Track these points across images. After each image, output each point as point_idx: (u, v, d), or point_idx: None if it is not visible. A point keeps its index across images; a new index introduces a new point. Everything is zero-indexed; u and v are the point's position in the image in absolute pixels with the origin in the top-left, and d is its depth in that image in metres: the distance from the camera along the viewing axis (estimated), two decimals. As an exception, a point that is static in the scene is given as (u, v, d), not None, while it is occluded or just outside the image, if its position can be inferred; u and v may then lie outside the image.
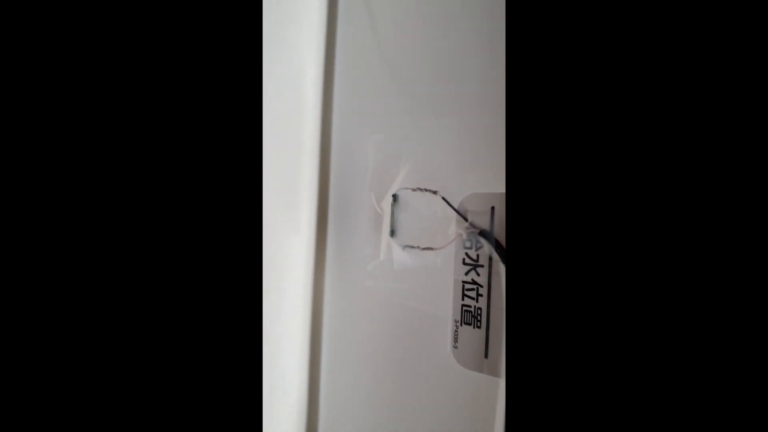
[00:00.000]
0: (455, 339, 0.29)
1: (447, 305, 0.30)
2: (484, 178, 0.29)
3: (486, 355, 0.28)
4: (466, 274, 0.29)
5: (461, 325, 0.29)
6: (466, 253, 0.29)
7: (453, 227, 0.30)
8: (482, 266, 0.28)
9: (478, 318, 0.28)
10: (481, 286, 0.28)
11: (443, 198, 0.30)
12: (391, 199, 0.33)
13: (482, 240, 0.28)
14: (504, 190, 0.28)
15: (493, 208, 0.28)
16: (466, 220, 0.29)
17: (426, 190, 0.31)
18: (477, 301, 0.28)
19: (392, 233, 0.32)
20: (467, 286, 0.29)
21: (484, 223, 0.28)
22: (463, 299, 0.29)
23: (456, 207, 0.29)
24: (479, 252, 0.28)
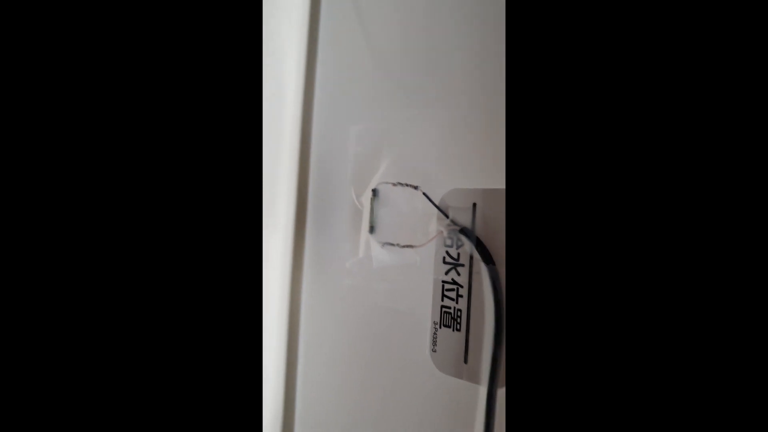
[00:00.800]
0: (434, 342, 0.28)
1: (426, 306, 0.28)
2: (467, 173, 0.27)
3: (465, 360, 0.26)
4: (446, 273, 0.27)
5: (440, 327, 0.28)
6: (447, 252, 0.27)
7: (434, 224, 0.28)
8: (463, 265, 0.27)
9: (458, 320, 0.27)
10: (462, 287, 0.27)
11: (424, 193, 0.28)
12: (371, 194, 0.31)
13: (463, 238, 0.26)
14: (486, 186, 0.26)
15: (474, 204, 0.26)
16: (447, 216, 0.27)
17: (407, 185, 0.29)
18: (457, 303, 0.27)
19: (371, 230, 0.31)
20: (447, 286, 0.27)
21: (465, 220, 0.27)
22: (442, 300, 0.28)
23: (437, 203, 0.28)
24: (460, 250, 0.27)
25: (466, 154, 0.27)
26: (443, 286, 0.28)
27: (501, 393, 0.25)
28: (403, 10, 0.31)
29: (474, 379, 0.26)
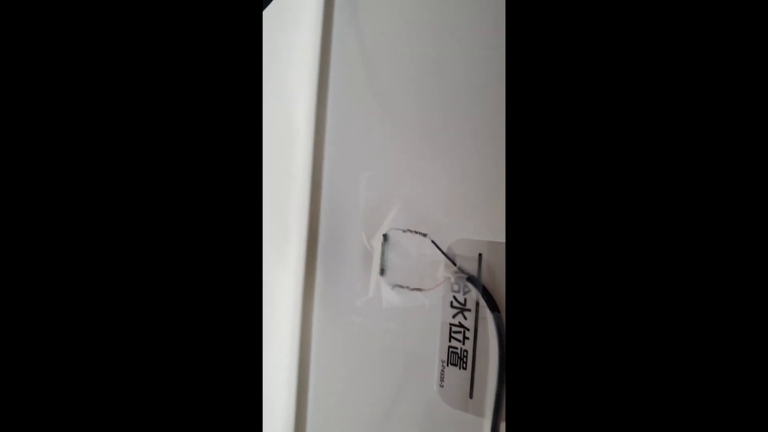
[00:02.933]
0: (441, 378, 0.30)
1: (434, 345, 0.31)
2: (474, 224, 0.30)
3: (471, 396, 0.29)
4: (454, 317, 0.30)
5: (447, 365, 0.30)
6: (454, 297, 0.30)
7: (442, 270, 0.31)
8: (469, 310, 0.29)
9: (464, 359, 0.30)
10: (468, 330, 0.29)
11: (432, 241, 0.31)
12: (381, 237, 0.33)
13: (470, 285, 0.29)
14: (491, 239, 0.29)
15: (480, 254, 0.29)
16: (455, 264, 0.30)
17: (416, 232, 0.32)
18: (463, 344, 0.30)
19: (382, 272, 0.33)
20: (454, 328, 0.30)
21: (472, 268, 0.30)
22: (450, 341, 0.30)
23: (445, 251, 0.31)
24: (467, 296, 0.30)
25: (473, 206, 0.30)
26: (450, 328, 0.30)
27: (503, 426, 0.28)
28: (412, 60, 0.34)
29: (479, 412, 0.29)
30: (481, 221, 0.30)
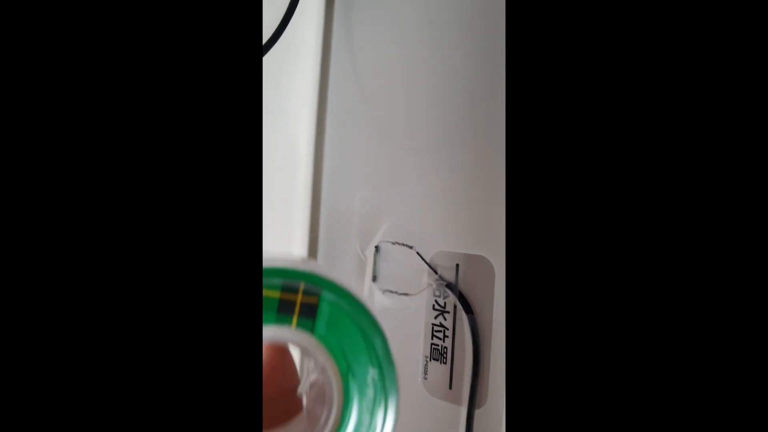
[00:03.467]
0: (425, 372, 0.35)
1: (419, 343, 0.36)
2: (451, 239, 0.34)
3: (450, 387, 0.34)
4: (435, 318, 0.35)
5: (430, 360, 0.35)
6: (436, 300, 0.35)
7: (425, 278, 0.35)
8: (448, 312, 0.34)
9: (445, 355, 0.34)
10: (447, 329, 0.34)
11: (417, 253, 0.36)
12: (374, 249, 0.38)
13: (448, 291, 0.34)
14: (467, 251, 0.34)
15: (458, 265, 0.34)
16: (436, 273, 0.35)
17: (403, 244, 0.37)
18: (443, 341, 0.34)
19: (374, 278, 0.38)
20: (436, 328, 0.35)
21: (450, 276, 0.34)
22: (432, 339, 0.35)
23: (428, 261, 0.35)
24: (446, 300, 0.34)
25: (451, 224, 0.35)
26: (432, 327, 0.35)
27: (478, 413, 0.32)
28: (404, 95, 0.39)
29: (457, 401, 0.33)
30: (457, 237, 0.34)
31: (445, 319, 0.34)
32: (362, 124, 0.41)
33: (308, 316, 0.24)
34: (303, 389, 0.28)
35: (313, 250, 0.43)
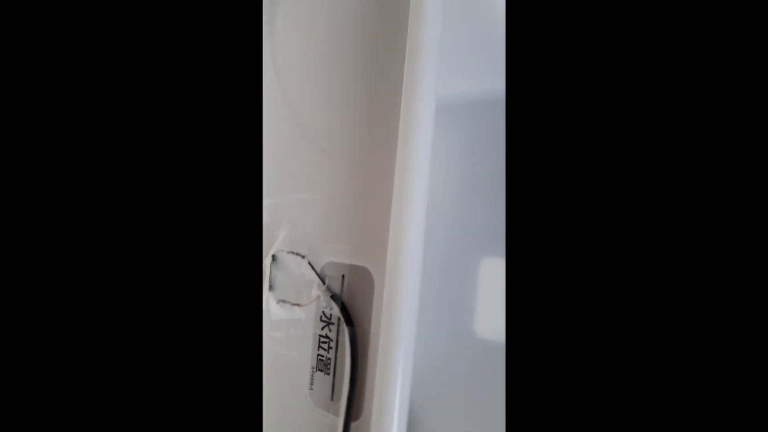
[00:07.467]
0: (311, 382, 0.35)
1: (307, 354, 0.35)
2: (339, 250, 0.34)
3: (332, 398, 0.34)
4: (322, 329, 0.35)
5: (316, 371, 0.35)
6: (323, 312, 0.35)
7: (315, 288, 0.35)
8: (333, 324, 0.34)
9: (329, 366, 0.34)
10: (332, 340, 0.34)
11: (309, 262, 0.36)
12: (270, 258, 0.38)
13: (333, 302, 0.34)
14: (353, 263, 0.34)
15: (343, 275, 0.34)
16: (324, 283, 0.35)
17: (297, 254, 0.37)
18: (328, 352, 0.34)
19: (270, 288, 0.38)
20: (322, 339, 0.35)
21: (337, 287, 0.34)
22: (318, 350, 0.35)
23: (318, 271, 0.35)
24: (332, 312, 0.34)
25: (340, 234, 0.35)
26: (319, 338, 0.35)
27: (354, 425, 0.32)
28: (313, 112, 0.39)
29: (336, 413, 0.33)
30: (346, 247, 0.34)
31: (330, 331, 0.34)
32: (283, 135, 0.41)
33: None
34: None
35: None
